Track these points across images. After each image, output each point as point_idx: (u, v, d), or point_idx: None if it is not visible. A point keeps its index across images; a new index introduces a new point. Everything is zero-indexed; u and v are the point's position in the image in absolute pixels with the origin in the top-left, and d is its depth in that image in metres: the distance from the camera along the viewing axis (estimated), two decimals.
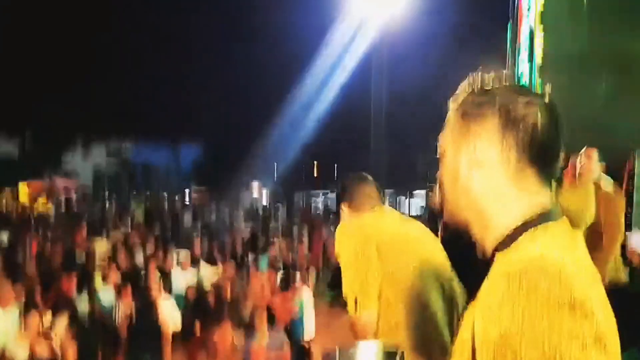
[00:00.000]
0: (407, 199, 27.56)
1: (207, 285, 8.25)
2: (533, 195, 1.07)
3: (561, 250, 0.97)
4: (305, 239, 13.31)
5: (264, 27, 28.59)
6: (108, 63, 29.41)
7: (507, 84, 1.10)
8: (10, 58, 26.74)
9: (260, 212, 21.51)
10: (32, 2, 27.70)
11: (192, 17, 31.71)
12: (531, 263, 0.94)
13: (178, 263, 8.68)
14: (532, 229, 1.02)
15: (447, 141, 1.15)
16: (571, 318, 0.88)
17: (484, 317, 0.92)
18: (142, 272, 8.44)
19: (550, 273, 0.92)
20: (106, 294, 7.45)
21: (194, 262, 9.15)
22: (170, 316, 7.18)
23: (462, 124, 1.10)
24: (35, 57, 27.74)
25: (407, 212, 23.97)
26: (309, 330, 7.30)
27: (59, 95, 28.32)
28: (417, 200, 25.55)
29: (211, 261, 9.34)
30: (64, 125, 29.69)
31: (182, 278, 8.28)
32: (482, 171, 1.08)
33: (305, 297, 7.57)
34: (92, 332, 6.25)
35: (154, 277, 7.58)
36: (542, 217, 1.04)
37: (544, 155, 1.07)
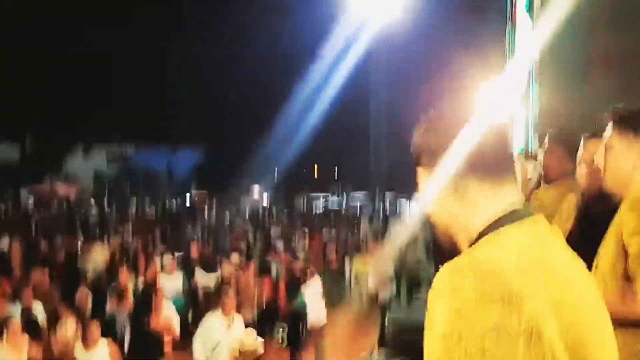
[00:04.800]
0: (408, 201, 27.54)
1: (204, 289, 8.30)
2: (489, 201, 1.12)
3: (510, 251, 1.03)
4: (306, 242, 13.33)
5: (263, 31, 28.69)
6: (108, 69, 29.49)
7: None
8: (11, 63, 26.83)
9: (261, 215, 21.52)
10: (33, 7, 27.79)
11: (192, 22, 31.83)
12: (464, 263, 1.03)
13: (163, 268, 8.68)
14: (492, 233, 1.06)
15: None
16: (499, 312, 0.94)
17: (427, 317, 1.01)
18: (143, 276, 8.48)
19: (481, 270, 0.99)
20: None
21: (192, 266, 9.17)
22: (173, 318, 7.25)
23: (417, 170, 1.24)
24: (36, 62, 27.83)
25: (408, 214, 23.95)
26: None
27: (59, 101, 28.41)
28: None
29: (210, 265, 9.34)
30: (65, 130, 29.77)
31: (168, 283, 8.29)
32: (434, 201, 1.19)
33: None
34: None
35: (158, 280, 7.70)
36: (505, 220, 1.08)
37: (477, 162, 1.12)
